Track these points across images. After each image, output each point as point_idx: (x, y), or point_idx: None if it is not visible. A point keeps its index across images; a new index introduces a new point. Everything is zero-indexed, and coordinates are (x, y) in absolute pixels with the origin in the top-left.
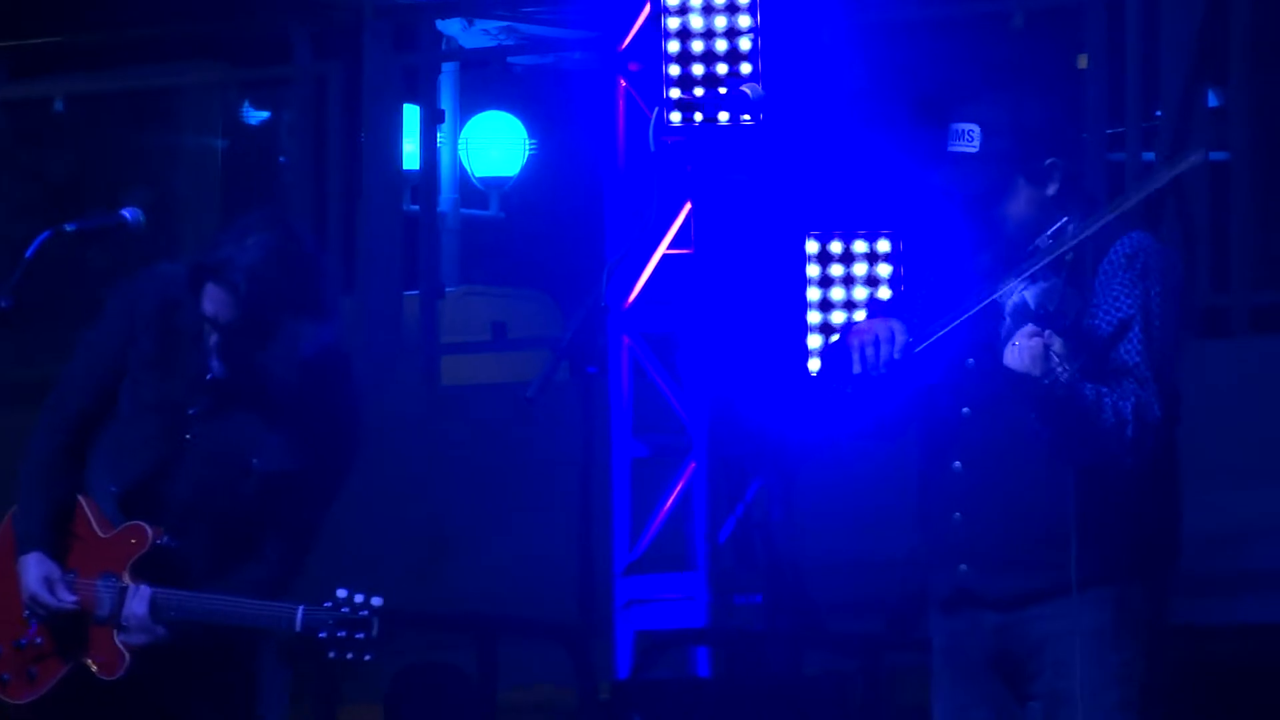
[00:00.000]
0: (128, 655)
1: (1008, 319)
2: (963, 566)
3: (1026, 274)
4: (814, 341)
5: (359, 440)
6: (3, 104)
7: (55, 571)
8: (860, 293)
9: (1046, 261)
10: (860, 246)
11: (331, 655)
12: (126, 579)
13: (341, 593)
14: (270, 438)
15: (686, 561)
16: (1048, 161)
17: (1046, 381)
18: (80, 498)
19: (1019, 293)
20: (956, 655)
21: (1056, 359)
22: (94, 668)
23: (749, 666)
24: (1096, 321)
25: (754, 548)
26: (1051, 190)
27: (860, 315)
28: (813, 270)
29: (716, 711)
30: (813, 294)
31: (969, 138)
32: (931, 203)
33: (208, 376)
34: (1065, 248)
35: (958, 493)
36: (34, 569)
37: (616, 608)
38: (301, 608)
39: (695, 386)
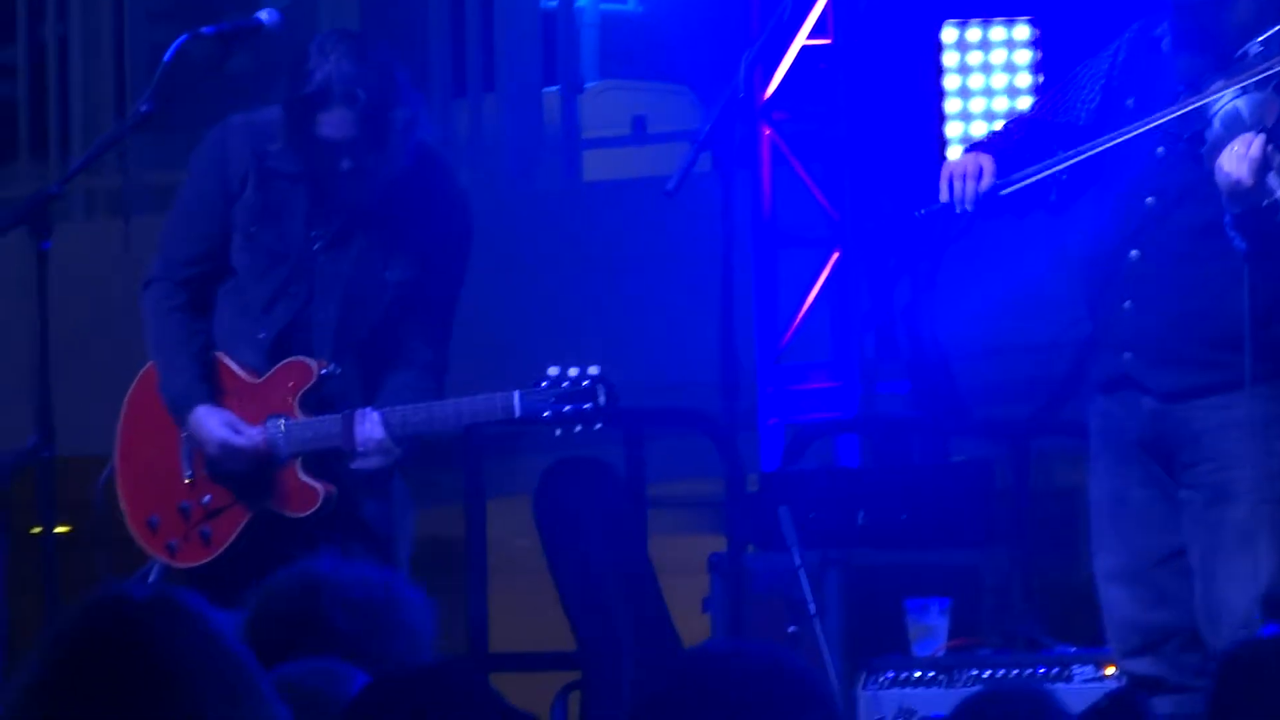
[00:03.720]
0: (321, 489)
1: (1218, 125)
2: (1127, 354)
3: (1240, 83)
4: (952, 130)
5: (471, 231)
6: None
7: (228, 414)
8: (999, 80)
9: (1263, 71)
10: (998, 34)
11: (559, 433)
12: (299, 415)
13: (553, 369)
14: (394, 247)
15: (832, 352)
16: None
17: (1265, 204)
18: (217, 355)
19: (1229, 100)
20: (1113, 436)
21: (1276, 177)
22: (285, 508)
23: (896, 455)
24: None
25: (900, 335)
26: None
27: (1002, 103)
28: (950, 59)
29: (864, 501)
30: (950, 83)
31: None
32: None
33: (322, 206)
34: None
35: (1131, 281)
36: (209, 419)
37: (762, 399)
38: (517, 393)
39: (836, 175)
